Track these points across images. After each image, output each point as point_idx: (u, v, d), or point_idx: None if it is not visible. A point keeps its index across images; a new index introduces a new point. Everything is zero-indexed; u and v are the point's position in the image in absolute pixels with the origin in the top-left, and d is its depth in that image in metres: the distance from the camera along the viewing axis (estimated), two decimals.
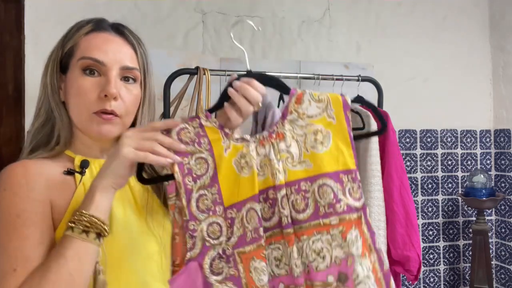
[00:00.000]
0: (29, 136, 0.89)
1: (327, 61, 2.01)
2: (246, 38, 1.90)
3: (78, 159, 0.87)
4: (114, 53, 0.86)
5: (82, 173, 0.85)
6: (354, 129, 1.72)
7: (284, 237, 0.78)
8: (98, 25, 0.89)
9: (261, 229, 0.78)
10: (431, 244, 2.16)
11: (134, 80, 0.89)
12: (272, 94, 1.66)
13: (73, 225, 0.73)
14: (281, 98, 1.71)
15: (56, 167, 0.85)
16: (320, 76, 1.73)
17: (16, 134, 1.65)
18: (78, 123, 0.87)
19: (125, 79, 0.87)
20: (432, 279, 2.16)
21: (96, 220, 0.73)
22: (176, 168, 0.76)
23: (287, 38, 1.96)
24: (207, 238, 0.77)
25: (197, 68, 1.50)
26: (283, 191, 0.79)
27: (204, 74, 1.52)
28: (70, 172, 0.85)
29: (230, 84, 0.81)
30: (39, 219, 0.79)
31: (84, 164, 0.87)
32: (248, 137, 0.81)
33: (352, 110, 1.65)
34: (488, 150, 2.25)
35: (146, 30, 1.78)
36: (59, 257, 0.72)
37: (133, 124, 0.91)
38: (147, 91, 0.91)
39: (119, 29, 0.91)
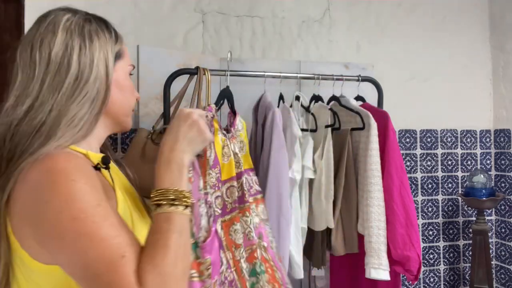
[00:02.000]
0: (66, 115, 0.79)
1: (327, 61, 2.01)
2: (246, 38, 1.91)
3: (92, 156, 0.84)
4: None
5: (108, 169, 0.85)
6: (354, 129, 1.73)
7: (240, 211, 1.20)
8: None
9: (239, 199, 1.19)
10: (431, 244, 2.16)
11: None
12: (272, 94, 1.66)
13: (176, 202, 0.79)
14: (281, 98, 1.71)
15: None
16: (320, 76, 1.73)
17: None
18: (121, 115, 0.92)
19: None
20: (432, 279, 2.16)
21: (190, 195, 0.82)
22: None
23: (287, 38, 1.96)
24: (216, 208, 1.07)
25: (197, 68, 1.49)
26: (243, 177, 1.22)
27: (204, 74, 1.51)
28: (97, 168, 0.82)
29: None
30: (112, 207, 0.76)
31: (106, 160, 0.85)
32: (225, 133, 1.22)
33: (352, 110, 1.65)
34: (488, 150, 2.25)
35: (146, 30, 1.78)
36: (171, 233, 0.75)
37: None
38: None
39: None
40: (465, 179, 2.20)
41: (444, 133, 2.19)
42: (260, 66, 1.82)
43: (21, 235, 0.75)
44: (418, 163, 2.15)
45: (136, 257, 0.71)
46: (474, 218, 2.16)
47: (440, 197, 2.18)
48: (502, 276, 2.20)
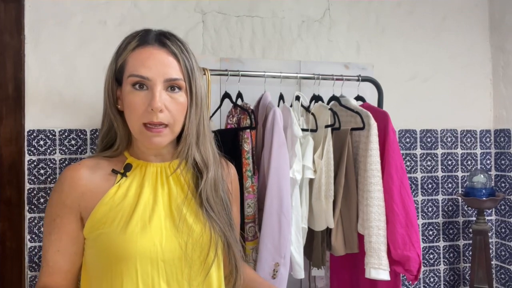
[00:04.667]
0: (98, 142, 1.02)
1: (327, 61, 2.01)
2: (246, 38, 1.91)
3: (128, 161, 0.98)
4: (157, 67, 0.91)
5: (123, 174, 0.95)
6: (354, 129, 1.73)
7: None
8: (142, 39, 0.94)
9: None
10: (431, 244, 2.16)
11: (180, 88, 0.93)
12: (273, 94, 1.66)
13: None
14: (281, 98, 1.71)
15: (109, 165, 0.97)
16: (320, 76, 1.73)
17: (16, 134, 1.64)
18: (133, 132, 0.95)
19: (171, 88, 0.92)
20: (432, 279, 2.16)
21: None
22: None
23: (287, 38, 1.96)
24: None
25: None
26: None
27: (204, 74, 1.52)
28: (115, 172, 0.96)
29: None
30: (64, 228, 0.93)
31: (127, 168, 0.97)
32: None
33: (352, 110, 1.65)
34: (488, 150, 2.25)
35: None
36: None
37: (182, 128, 0.96)
38: (193, 96, 0.95)
39: (161, 41, 0.94)
40: (465, 179, 2.20)
41: (444, 133, 2.19)
42: (260, 66, 1.82)
43: None
44: (418, 163, 2.15)
45: (46, 274, 0.93)
46: (474, 218, 2.16)
47: (440, 197, 2.18)
48: (502, 276, 2.20)
